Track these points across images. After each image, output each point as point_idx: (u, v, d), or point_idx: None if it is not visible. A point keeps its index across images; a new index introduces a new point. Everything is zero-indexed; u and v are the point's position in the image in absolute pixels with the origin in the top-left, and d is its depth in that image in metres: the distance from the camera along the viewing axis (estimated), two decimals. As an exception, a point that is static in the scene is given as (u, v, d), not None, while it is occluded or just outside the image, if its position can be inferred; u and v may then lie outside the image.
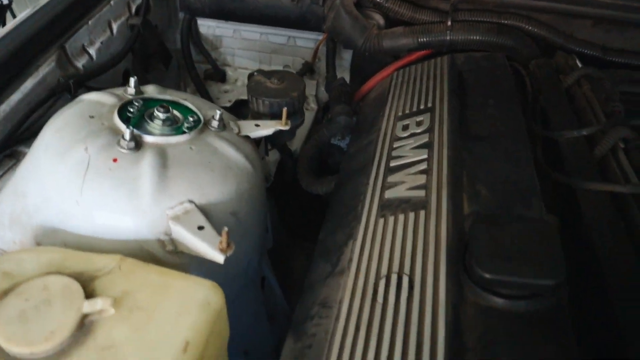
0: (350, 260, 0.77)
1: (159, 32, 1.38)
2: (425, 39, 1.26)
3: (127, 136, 0.73)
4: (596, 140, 0.93)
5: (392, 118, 1.08)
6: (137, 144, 0.75)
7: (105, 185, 0.70)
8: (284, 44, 1.47)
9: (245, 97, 1.48)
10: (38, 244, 0.74)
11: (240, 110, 1.51)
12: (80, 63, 1.12)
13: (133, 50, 1.27)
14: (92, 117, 0.79)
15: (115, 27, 1.22)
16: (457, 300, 0.62)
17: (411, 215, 0.79)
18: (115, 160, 0.72)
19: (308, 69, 1.43)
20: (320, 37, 1.42)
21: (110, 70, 1.17)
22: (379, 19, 1.33)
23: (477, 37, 1.25)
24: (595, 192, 0.82)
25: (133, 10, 1.28)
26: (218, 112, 0.85)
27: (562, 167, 0.90)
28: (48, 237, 0.72)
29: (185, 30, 1.46)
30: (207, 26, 1.49)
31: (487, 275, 0.62)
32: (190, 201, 0.73)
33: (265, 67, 1.51)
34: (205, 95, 1.43)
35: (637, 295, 0.64)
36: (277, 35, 1.46)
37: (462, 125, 0.97)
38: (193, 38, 1.49)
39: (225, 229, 0.66)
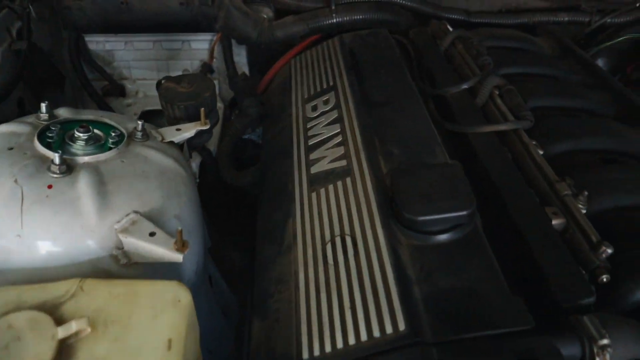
0: (294, 235, 0.84)
1: (46, 54, 1.33)
2: (314, 25, 1.35)
3: (57, 160, 0.74)
4: (476, 90, 1.08)
5: (299, 101, 1.16)
6: (69, 167, 0.75)
7: (46, 212, 0.71)
8: (179, 49, 1.48)
9: (150, 107, 1.49)
10: (-18, 286, 0.72)
11: (148, 121, 1.50)
12: (-33, 98, 1.06)
13: (22, 77, 1.22)
14: (10, 149, 0.78)
15: (-2, 55, 1.17)
16: (394, 245, 0.72)
17: (339, 183, 0.88)
18: (50, 186, 0.73)
19: (207, 70, 1.46)
20: (213, 37, 1.46)
21: (3, 101, 1.12)
22: (268, 11, 1.39)
23: (360, 16, 1.36)
24: (483, 134, 0.97)
25: (14, 34, 1.23)
26: (139, 123, 0.87)
27: (453, 118, 1.04)
28: (-8, 279, 0.71)
29: (73, 48, 1.42)
30: (95, 42, 1.46)
31: (414, 218, 0.72)
32: (135, 211, 0.76)
33: (164, 74, 1.51)
34: (110, 111, 1.41)
35: (532, 209, 0.78)
36: (170, 41, 1.47)
37: (363, 96, 1.07)
38: (83, 56, 1.45)
39: (179, 227, 0.70)
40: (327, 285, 0.71)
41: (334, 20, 1.34)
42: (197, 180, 1.13)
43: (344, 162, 0.91)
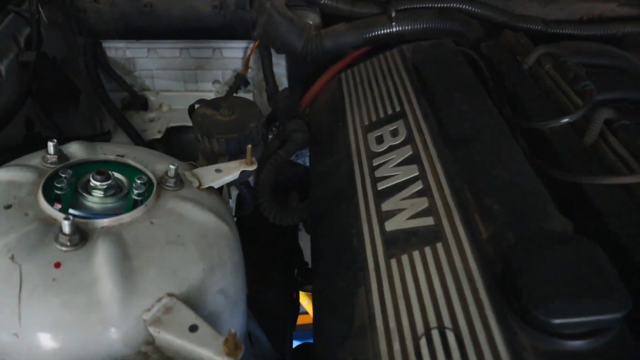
0: (372, 317, 0.65)
1: (58, 64, 1.15)
2: (370, 34, 1.15)
3: (67, 229, 0.55)
4: (579, 125, 0.88)
5: (359, 129, 0.97)
6: (83, 235, 0.57)
7: (54, 302, 0.53)
8: (209, 57, 1.29)
9: (176, 123, 1.30)
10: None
11: (172, 139, 1.33)
12: (-35, 123, 0.89)
13: (31, 93, 1.04)
14: (8, 206, 0.60)
15: (2, 68, 0.99)
16: (518, 351, 0.53)
17: (427, 250, 0.69)
18: (58, 265, 0.54)
19: (242, 82, 1.27)
20: (249, 44, 1.27)
21: (7, 124, 0.94)
22: (314, 17, 1.20)
23: (424, 25, 1.16)
24: (605, 186, 0.77)
25: (22, 43, 1.05)
26: (172, 168, 0.68)
27: (557, 161, 0.84)
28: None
29: (90, 56, 1.24)
30: (115, 48, 1.28)
31: (549, 320, 0.53)
32: (170, 294, 0.57)
33: (192, 86, 1.34)
34: (130, 129, 1.23)
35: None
36: (200, 49, 1.28)
37: (440, 129, 0.88)
38: (101, 65, 1.27)
39: (232, 330, 0.52)
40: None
41: (394, 30, 1.15)
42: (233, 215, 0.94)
43: (429, 220, 0.72)
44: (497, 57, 1.09)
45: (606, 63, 1.14)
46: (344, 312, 0.70)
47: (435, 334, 0.59)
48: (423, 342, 0.59)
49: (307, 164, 1.42)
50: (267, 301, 1.22)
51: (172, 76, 1.32)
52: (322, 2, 1.15)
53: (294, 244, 1.44)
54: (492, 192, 0.73)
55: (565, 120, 0.87)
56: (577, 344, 0.54)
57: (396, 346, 0.60)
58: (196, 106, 0.87)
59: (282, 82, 1.30)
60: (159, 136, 1.28)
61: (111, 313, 0.54)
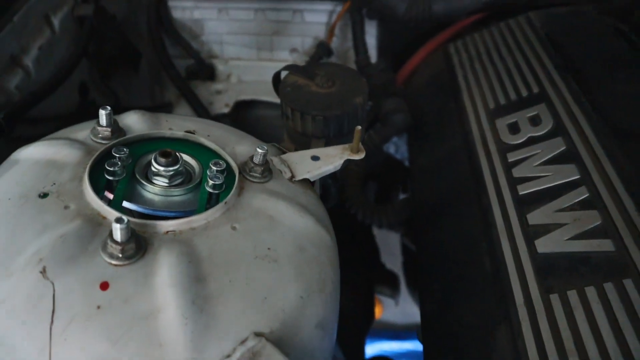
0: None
1: (118, 22, 1.00)
2: (492, -4, 0.92)
3: (120, 235, 0.38)
4: None
5: (482, 114, 0.76)
6: (140, 244, 0.40)
7: (98, 339, 0.36)
8: (287, 21, 1.11)
9: (246, 96, 1.14)
10: None
11: (241, 115, 1.16)
12: (11, 83, 0.74)
13: (87, 54, 0.89)
14: (44, 195, 0.44)
15: (56, 22, 0.84)
16: None
17: (609, 287, 0.48)
18: (105, 286, 0.38)
19: (325, 51, 1.08)
20: (336, 7, 1.07)
21: (58, 88, 0.79)
22: (420, -26, 0.98)
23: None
24: None
25: (79, -5, 0.90)
26: (261, 152, 0.50)
27: None
28: None
29: (153, 16, 1.08)
30: (181, 8, 1.12)
31: None
32: (257, 334, 0.40)
33: (265, 54, 1.16)
34: (195, 101, 1.07)
35: None
36: (277, 11, 1.10)
37: (601, 117, 0.66)
38: (164, 26, 1.11)
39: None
40: None
41: (524, -9, 0.92)
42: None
43: (607, 244, 0.51)
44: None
45: None
46: (478, 349, 0.51)
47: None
48: None
49: (390, 150, 1.23)
50: (341, 307, 1.05)
51: (244, 42, 1.14)
52: (432, -46, 0.94)
53: (370, 242, 1.25)
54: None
55: None
56: None
57: None
58: (284, 74, 0.68)
59: (372, 54, 1.10)
60: (226, 110, 1.12)
61: (176, 356, 0.37)
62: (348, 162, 0.59)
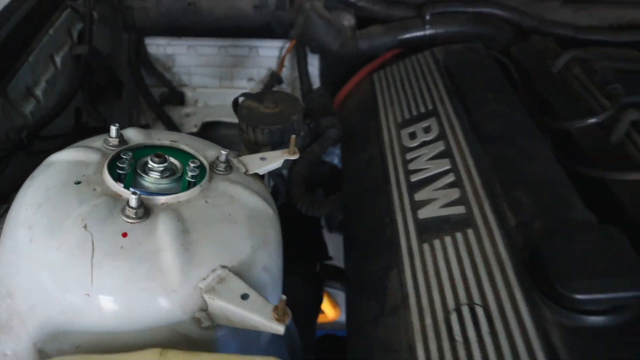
0: (405, 295, 0.69)
1: (105, 58, 1.21)
2: (404, 37, 1.19)
3: (134, 202, 0.60)
4: (606, 125, 0.91)
5: (392, 126, 1.01)
6: (146, 210, 0.62)
7: (122, 268, 0.58)
8: (245, 55, 1.35)
9: (211, 118, 1.36)
10: (40, 351, 0.59)
11: (207, 134, 1.38)
12: (27, 109, 0.94)
13: (82, 85, 1.10)
14: (78, 182, 0.65)
15: (58, 60, 1.05)
16: (545, 327, 0.57)
17: (459, 236, 0.73)
18: (125, 234, 0.59)
19: (276, 80, 1.32)
20: (285, 44, 1.32)
21: (61, 113, 1.00)
22: (350, 19, 1.25)
23: (457, 29, 1.20)
24: (628, 182, 0.80)
25: (75, 37, 1.11)
26: (224, 153, 0.73)
27: (582, 158, 0.87)
28: (54, 343, 0.58)
29: (134, 52, 1.30)
30: (156, 45, 1.34)
31: (574, 296, 0.57)
32: (223, 266, 0.62)
33: (227, 83, 1.39)
34: (169, 122, 1.29)
35: None
36: (236, 47, 1.34)
37: (472, 127, 0.92)
38: (142, 60, 1.33)
39: (283, 297, 0.56)
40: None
41: (427, 33, 1.19)
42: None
43: (461, 209, 0.76)
44: (527, 61, 1.13)
45: (636, 69, 1.17)
46: (377, 294, 0.74)
47: (465, 309, 0.63)
48: (454, 316, 0.63)
49: (335, 162, 1.47)
50: (294, 291, 1.26)
51: (209, 73, 1.37)
52: (359, 4, 1.20)
53: (319, 239, 1.48)
54: (521, 185, 0.77)
55: (593, 120, 0.90)
56: (599, 320, 0.57)
57: (428, 321, 0.64)
58: (241, 99, 0.92)
59: (315, 82, 1.35)
60: (194, 130, 1.34)
61: (171, 280, 0.59)
62: (287, 162, 0.83)
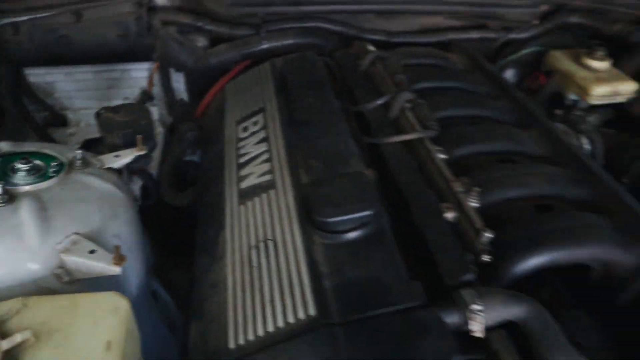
0: (225, 244, 0.93)
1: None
2: (246, 51, 1.45)
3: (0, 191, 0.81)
4: (390, 106, 1.21)
5: (233, 124, 1.26)
6: (11, 196, 0.82)
7: (-9, 239, 0.78)
8: (118, 78, 1.55)
9: (92, 136, 1.54)
10: None
11: (91, 149, 1.56)
12: None
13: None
14: (-45, 182, 0.84)
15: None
16: (309, 245, 0.82)
17: (264, 195, 0.98)
18: (-7, 214, 0.80)
19: (147, 97, 1.53)
20: (152, 65, 1.54)
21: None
22: (203, 40, 1.49)
23: (289, 41, 1.47)
24: (393, 144, 1.08)
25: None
26: (78, 153, 0.94)
27: (369, 131, 1.16)
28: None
29: (11, 83, 1.47)
30: (35, 74, 1.51)
31: (325, 220, 0.82)
32: (76, 233, 0.83)
33: (105, 104, 1.58)
34: (52, 142, 1.46)
35: (429, 206, 0.90)
36: (110, 71, 1.54)
37: (290, 116, 1.18)
38: (23, 89, 1.50)
39: (111, 236, 0.79)
40: (251, 285, 0.81)
41: (264, 46, 1.45)
42: (139, 203, 1.20)
43: (269, 177, 1.01)
44: (344, 62, 1.42)
45: (432, 62, 1.49)
46: (211, 249, 0.97)
47: (261, 245, 0.87)
48: (254, 250, 0.87)
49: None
50: (176, 280, 1.46)
51: (88, 96, 1.56)
52: (206, 28, 1.45)
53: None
54: (316, 155, 1.04)
55: (379, 102, 1.19)
56: (350, 235, 0.83)
57: (237, 257, 0.88)
58: (101, 112, 1.13)
59: (183, 96, 1.58)
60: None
61: (32, 245, 0.79)
62: (140, 157, 1.05)
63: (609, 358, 0.84)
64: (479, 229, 0.83)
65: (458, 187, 0.92)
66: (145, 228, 1.31)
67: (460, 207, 0.89)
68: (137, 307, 1.03)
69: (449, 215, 0.88)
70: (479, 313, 0.70)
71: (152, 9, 1.46)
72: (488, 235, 0.82)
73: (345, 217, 0.83)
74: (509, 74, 1.68)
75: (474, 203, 0.90)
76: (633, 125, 1.47)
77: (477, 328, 0.71)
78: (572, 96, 1.50)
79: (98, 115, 1.14)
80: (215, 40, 1.52)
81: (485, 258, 0.81)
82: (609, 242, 0.89)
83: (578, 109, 1.47)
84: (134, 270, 0.98)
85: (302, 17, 1.53)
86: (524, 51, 1.63)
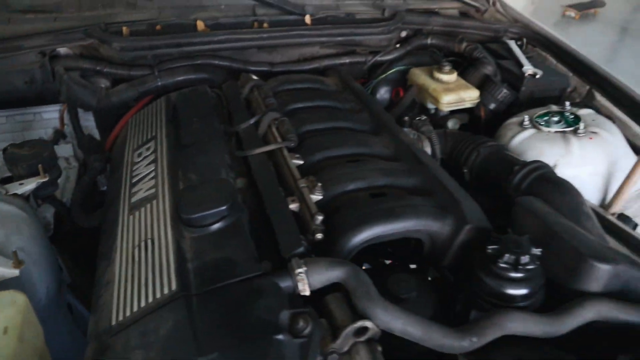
0: (117, 249, 1.12)
1: None
2: (143, 89, 1.66)
3: None
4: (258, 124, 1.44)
5: (131, 152, 1.46)
6: None
7: None
8: (31, 120, 1.72)
9: (9, 174, 1.70)
10: None
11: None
12: None
13: None
14: None
15: None
16: (178, 239, 1.03)
17: (148, 205, 1.18)
18: None
19: (60, 136, 1.71)
20: (62, 106, 1.72)
21: None
22: (105, 82, 1.69)
23: (181, 78, 1.70)
24: (258, 155, 1.31)
25: None
26: (-17, 183, 1.12)
27: (240, 146, 1.38)
28: None
29: None
30: (-49, 123, 1.66)
31: (189, 217, 1.03)
32: (-17, 248, 1.01)
33: (21, 144, 1.74)
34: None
35: (277, 200, 1.13)
36: (23, 115, 1.71)
37: (176, 140, 1.39)
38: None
39: (14, 249, 0.96)
40: (132, 277, 1.00)
41: (159, 84, 1.67)
42: (52, 228, 1.37)
43: (154, 190, 1.22)
44: (229, 92, 1.65)
45: (307, 86, 1.75)
46: (107, 255, 1.15)
47: (142, 244, 1.07)
48: (136, 249, 1.06)
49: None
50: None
51: (3, 138, 1.71)
52: (105, 70, 1.65)
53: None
54: (194, 170, 1.25)
55: (250, 122, 1.42)
56: (212, 228, 1.03)
57: (124, 257, 1.07)
58: (7, 148, 1.31)
59: (95, 132, 1.76)
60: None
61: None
62: (43, 184, 1.23)
63: (425, 305, 1.08)
64: (314, 214, 1.06)
65: (302, 183, 1.15)
66: (65, 252, 1.48)
67: (302, 199, 1.12)
68: (48, 314, 1.20)
69: (293, 206, 1.10)
70: (303, 275, 0.92)
71: (55, 57, 1.65)
72: (319, 217, 1.05)
73: (205, 213, 1.03)
74: (382, 91, 1.96)
75: (317, 196, 1.14)
76: (477, 126, 1.77)
77: (302, 288, 0.92)
78: (430, 105, 1.80)
79: (4, 151, 1.31)
80: (118, 81, 1.72)
81: (319, 236, 1.04)
82: (426, 216, 1.14)
83: (439, 115, 1.76)
84: (42, 280, 1.16)
85: (193, 56, 1.76)
86: (391, 71, 1.92)
